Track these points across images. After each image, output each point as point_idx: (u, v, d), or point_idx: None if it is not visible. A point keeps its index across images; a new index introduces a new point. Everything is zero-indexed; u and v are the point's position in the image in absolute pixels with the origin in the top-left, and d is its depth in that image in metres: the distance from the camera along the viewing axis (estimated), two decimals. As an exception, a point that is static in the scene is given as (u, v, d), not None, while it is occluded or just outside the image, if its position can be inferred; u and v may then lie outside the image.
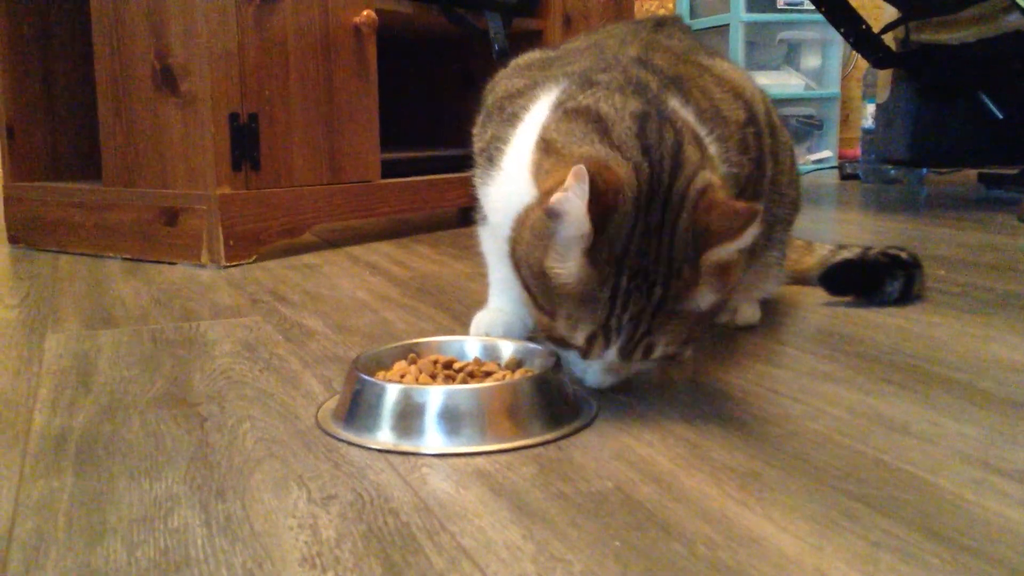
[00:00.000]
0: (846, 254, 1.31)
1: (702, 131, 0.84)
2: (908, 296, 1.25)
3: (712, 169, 0.80)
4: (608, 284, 0.74)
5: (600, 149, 0.78)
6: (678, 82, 0.89)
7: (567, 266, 0.74)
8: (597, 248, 0.73)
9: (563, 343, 0.80)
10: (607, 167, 0.75)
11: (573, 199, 0.70)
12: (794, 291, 1.32)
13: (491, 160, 0.95)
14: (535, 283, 0.79)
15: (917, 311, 1.21)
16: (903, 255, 1.27)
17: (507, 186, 0.90)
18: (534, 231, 0.78)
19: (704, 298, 0.76)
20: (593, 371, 0.82)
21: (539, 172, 0.82)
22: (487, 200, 0.98)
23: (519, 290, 0.84)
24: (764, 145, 0.99)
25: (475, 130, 1.05)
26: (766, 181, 1.01)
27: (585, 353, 0.79)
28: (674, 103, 0.84)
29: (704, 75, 0.96)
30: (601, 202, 0.71)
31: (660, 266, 0.74)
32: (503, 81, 1.04)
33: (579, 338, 0.78)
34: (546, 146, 0.83)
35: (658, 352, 0.78)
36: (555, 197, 0.71)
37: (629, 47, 0.96)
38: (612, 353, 0.78)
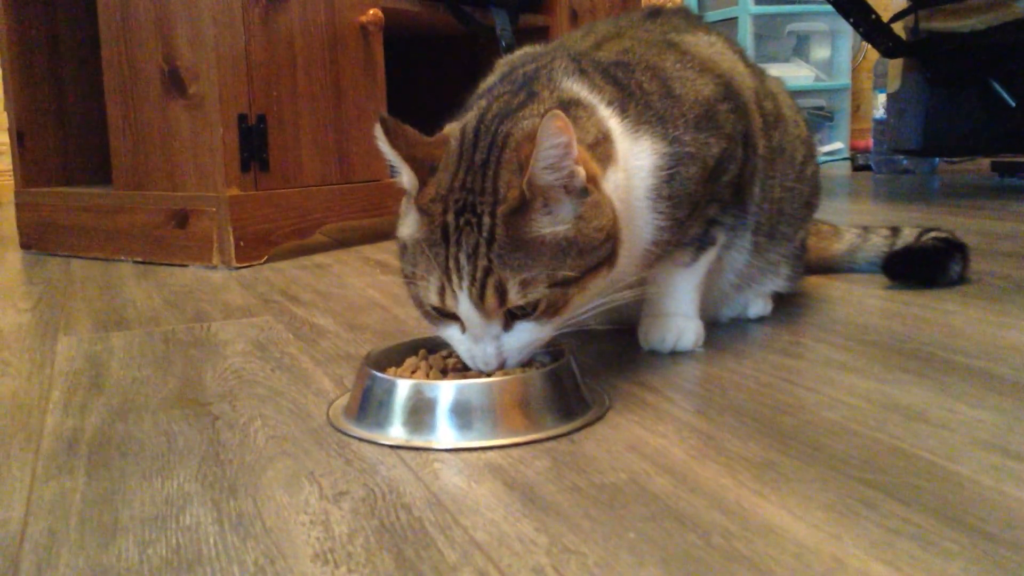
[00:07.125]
0: (876, 239, 1.37)
1: (606, 111, 0.85)
2: (966, 275, 1.29)
3: (581, 129, 0.81)
4: (437, 223, 0.75)
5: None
6: (609, 69, 0.91)
7: (407, 221, 0.80)
8: (423, 193, 0.78)
9: (433, 316, 0.79)
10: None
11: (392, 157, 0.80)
12: (807, 283, 1.31)
13: None
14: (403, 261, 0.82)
15: (932, 299, 1.20)
16: (951, 236, 1.31)
17: None
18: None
19: (539, 223, 0.74)
20: (469, 343, 0.77)
21: None
22: None
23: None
24: (753, 122, 0.99)
25: None
26: (756, 158, 1.00)
27: (439, 311, 0.77)
28: (568, 85, 0.86)
29: (667, 56, 0.96)
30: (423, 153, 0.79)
31: (485, 196, 0.75)
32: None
33: (432, 295, 0.76)
34: None
35: (513, 293, 0.73)
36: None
37: (586, 39, 1.01)
38: (466, 301, 0.74)
